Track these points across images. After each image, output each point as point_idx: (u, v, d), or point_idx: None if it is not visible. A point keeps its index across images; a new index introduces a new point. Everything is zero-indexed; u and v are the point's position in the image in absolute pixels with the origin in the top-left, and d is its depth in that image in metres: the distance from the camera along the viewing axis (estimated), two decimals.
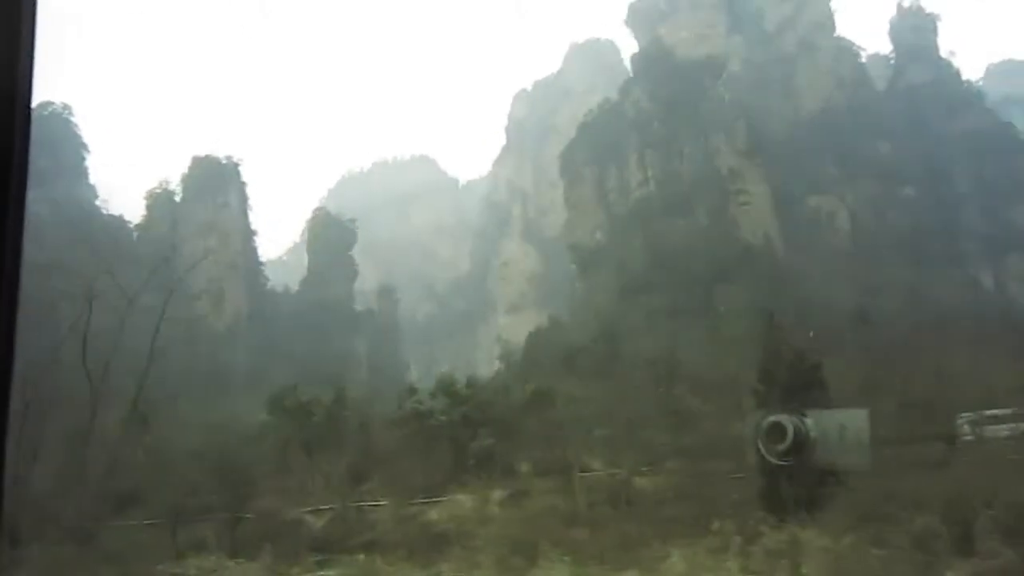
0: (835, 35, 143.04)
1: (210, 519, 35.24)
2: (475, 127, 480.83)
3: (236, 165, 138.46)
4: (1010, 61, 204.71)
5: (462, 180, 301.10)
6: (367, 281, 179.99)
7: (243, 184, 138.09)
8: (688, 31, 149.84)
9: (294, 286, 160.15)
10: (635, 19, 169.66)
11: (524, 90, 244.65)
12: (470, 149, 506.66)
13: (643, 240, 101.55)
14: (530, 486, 37.56)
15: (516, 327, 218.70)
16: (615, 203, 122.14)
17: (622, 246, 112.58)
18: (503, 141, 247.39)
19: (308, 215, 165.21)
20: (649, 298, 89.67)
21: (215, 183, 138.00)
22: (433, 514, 35.22)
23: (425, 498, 37.07)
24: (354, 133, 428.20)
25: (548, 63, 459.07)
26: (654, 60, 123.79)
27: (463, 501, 36.19)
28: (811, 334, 70.81)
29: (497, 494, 36.66)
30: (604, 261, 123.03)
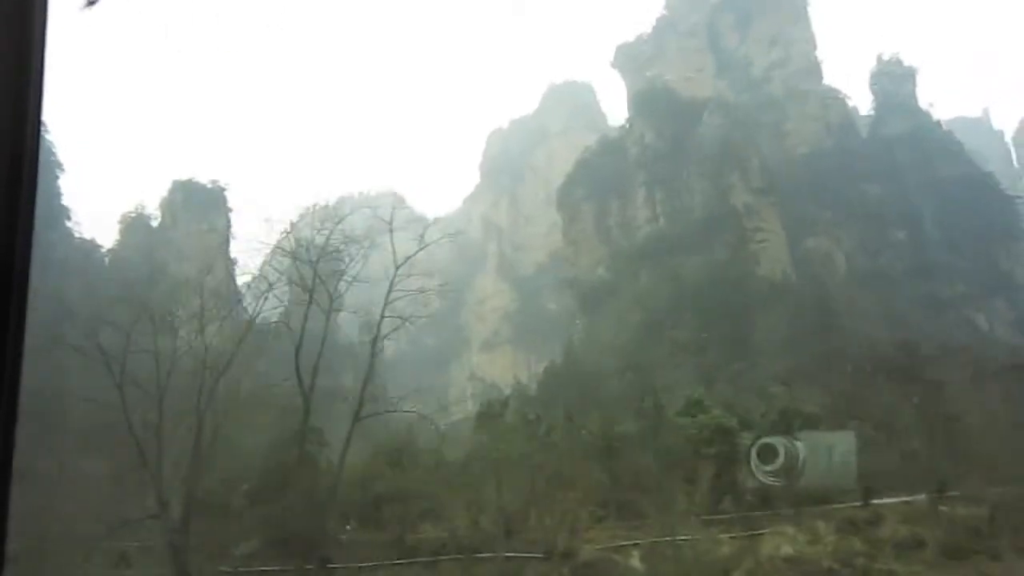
0: (823, 83, 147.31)
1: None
2: (443, 164, 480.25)
3: (222, 190, 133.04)
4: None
5: (430, 216, 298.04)
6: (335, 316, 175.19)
7: (229, 209, 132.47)
8: (675, 74, 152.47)
9: (271, 317, 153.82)
10: (623, 61, 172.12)
11: (500, 128, 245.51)
12: (438, 185, 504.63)
13: (657, 275, 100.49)
14: None
15: (490, 364, 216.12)
16: (618, 239, 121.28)
17: (630, 281, 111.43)
18: (476, 179, 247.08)
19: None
20: (674, 332, 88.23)
21: (199, 207, 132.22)
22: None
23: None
24: (320, 167, 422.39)
25: (523, 103, 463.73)
26: (657, 98, 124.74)
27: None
28: (848, 368, 70.84)
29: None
30: (609, 297, 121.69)
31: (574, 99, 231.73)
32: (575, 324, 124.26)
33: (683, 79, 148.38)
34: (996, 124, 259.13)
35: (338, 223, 42.85)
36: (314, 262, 39.88)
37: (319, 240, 41.69)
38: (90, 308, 46.75)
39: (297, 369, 37.74)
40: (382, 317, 40.69)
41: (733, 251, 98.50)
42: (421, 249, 44.55)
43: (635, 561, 29.36)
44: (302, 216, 53.06)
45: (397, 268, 42.11)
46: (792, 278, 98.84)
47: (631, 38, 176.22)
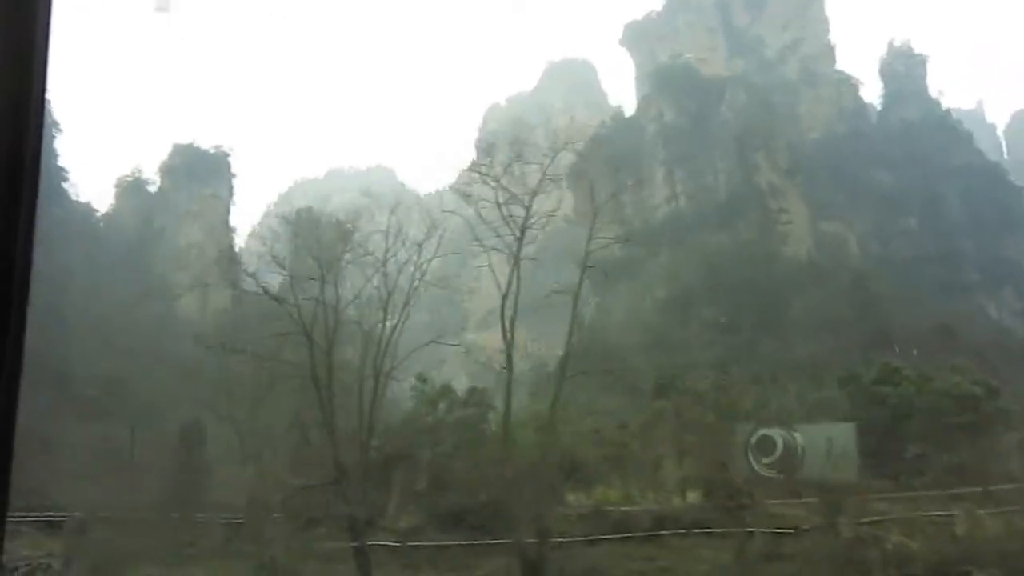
0: (835, 67, 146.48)
1: None
2: (437, 140, 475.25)
3: (226, 155, 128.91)
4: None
5: (422, 192, 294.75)
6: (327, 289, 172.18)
7: (232, 175, 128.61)
8: (687, 53, 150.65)
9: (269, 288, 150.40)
10: (631, 39, 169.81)
11: (497, 104, 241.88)
12: (430, 161, 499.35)
13: (679, 255, 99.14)
14: None
15: (487, 343, 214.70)
16: (633, 217, 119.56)
17: (648, 260, 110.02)
18: (472, 155, 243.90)
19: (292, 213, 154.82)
20: (700, 310, 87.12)
21: (201, 172, 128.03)
22: None
23: None
24: (311, 139, 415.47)
25: (521, 81, 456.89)
26: (676, 76, 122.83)
27: None
28: (897, 350, 70.30)
29: None
30: (624, 275, 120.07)
31: (573, 77, 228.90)
32: (588, 302, 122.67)
33: (695, 60, 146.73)
34: (989, 117, 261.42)
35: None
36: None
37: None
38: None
39: (503, 319, 33.98)
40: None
41: (758, 231, 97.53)
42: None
43: (900, 537, 27.64)
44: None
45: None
46: (818, 259, 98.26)
47: (639, 16, 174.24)
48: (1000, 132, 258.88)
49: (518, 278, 34.33)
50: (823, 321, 73.87)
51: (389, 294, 34.51)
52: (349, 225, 37.70)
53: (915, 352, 64.02)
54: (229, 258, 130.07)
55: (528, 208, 35.24)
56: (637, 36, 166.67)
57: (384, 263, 34.85)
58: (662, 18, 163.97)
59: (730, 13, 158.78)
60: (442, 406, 41.60)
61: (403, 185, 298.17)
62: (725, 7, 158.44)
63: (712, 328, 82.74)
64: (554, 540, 28.11)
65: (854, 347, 67.09)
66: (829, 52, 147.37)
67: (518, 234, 34.99)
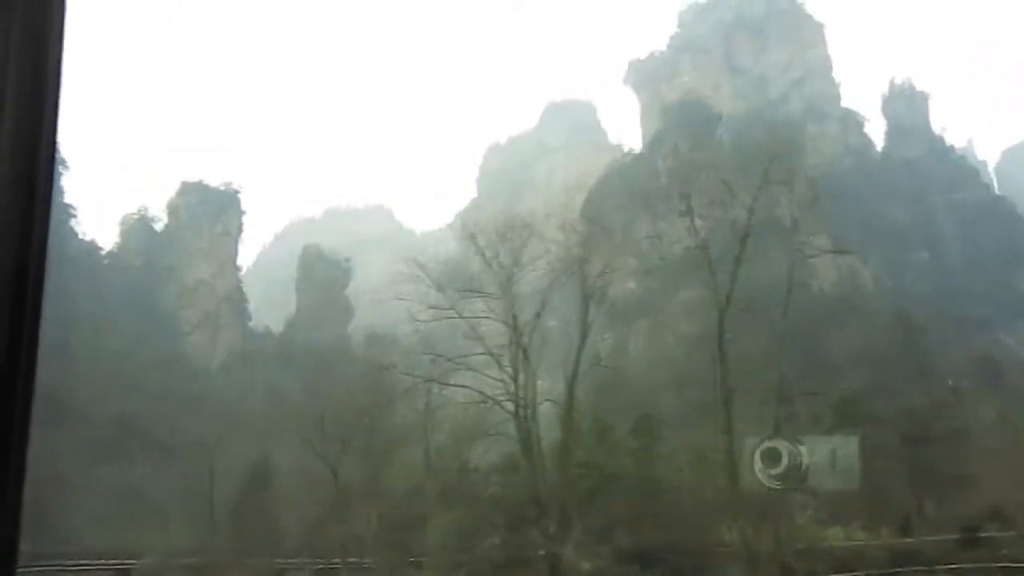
0: (841, 104, 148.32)
1: None
2: (437, 179, 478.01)
3: (236, 192, 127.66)
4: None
5: (418, 231, 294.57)
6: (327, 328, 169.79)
7: (242, 212, 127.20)
8: (691, 92, 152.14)
9: (276, 327, 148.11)
10: (636, 77, 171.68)
11: (497, 144, 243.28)
12: (430, 200, 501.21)
13: (701, 289, 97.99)
14: None
15: (485, 380, 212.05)
16: (650, 252, 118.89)
17: (667, 295, 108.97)
18: (471, 194, 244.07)
19: (297, 251, 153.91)
20: (732, 346, 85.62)
21: (210, 210, 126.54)
22: None
23: None
24: (307, 179, 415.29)
25: (521, 120, 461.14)
26: (690, 110, 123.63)
27: None
28: (949, 382, 69.43)
29: None
30: (640, 311, 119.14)
31: (574, 116, 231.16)
32: (603, 339, 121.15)
33: (700, 98, 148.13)
34: (980, 154, 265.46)
35: None
36: None
37: None
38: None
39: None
40: None
41: (784, 265, 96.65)
42: None
43: None
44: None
45: None
46: (847, 292, 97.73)
47: (643, 55, 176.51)
48: (991, 169, 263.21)
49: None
50: (865, 354, 72.96)
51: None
52: None
53: (965, 383, 63.25)
54: (239, 296, 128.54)
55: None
56: (642, 75, 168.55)
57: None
58: (666, 57, 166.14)
59: (733, 52, 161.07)
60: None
61: (401, 226, 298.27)
62: (728, 46, 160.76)
63: (743, 363, 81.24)
64: None
65: (898, 379, 66.10)
66: (834, 90, 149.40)
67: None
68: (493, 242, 57.64)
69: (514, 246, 54.19)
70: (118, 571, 30.23)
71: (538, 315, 42.87)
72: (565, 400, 43.65)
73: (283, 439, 46.87)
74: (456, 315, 55.23)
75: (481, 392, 39.42)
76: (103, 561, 29.62)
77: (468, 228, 59.70)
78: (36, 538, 48.74)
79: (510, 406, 31.86)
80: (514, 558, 27.16)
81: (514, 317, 41.60)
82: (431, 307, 51.53)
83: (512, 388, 33.48)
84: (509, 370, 34.80)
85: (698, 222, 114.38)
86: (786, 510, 34.17)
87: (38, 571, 34.65)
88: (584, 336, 53.86)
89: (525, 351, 43.54)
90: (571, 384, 39.45)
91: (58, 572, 32.02)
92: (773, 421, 45.48)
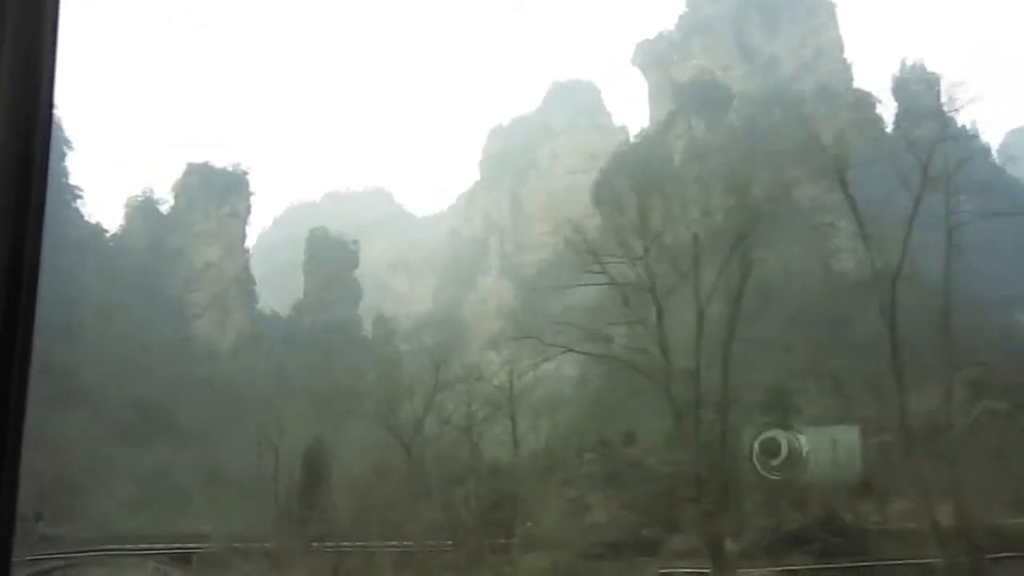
0: (853, 86, 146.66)
1: None
2: (439, 161, 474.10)
3: (244, 174, 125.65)
4: None
5: (418, 215, 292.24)
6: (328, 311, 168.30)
7: (251, 194, 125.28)
8: (704, 71, 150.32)
9: (282, 310, 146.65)
10: (645, 59, 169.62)
11: (500, 126, 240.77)
12: (432, 183, 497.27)
13: (719, 272, 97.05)
14: None
15: (495, 365, 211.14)
16: (664, 234, 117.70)
17: (683, 278, 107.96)
18: (475, 176, 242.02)
19: (305, 233, 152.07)
20: (750, 331, 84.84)
21: (218, 191, 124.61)
22: None
23: None
24: (307, 162, 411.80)
25: (524, 101, 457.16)
26: (705, 90, 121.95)
27: None
28: (986, 360, 68.46)
29: None
30: (652, 294, 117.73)
31: (578, 97, 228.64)
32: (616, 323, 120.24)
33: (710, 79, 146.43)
34: (990, 135, 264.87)
35: None
36: None
37: None
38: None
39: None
40: None
41: (805, 246, 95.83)
42: None
43: None
44: None
45: None
46: (868, 274, 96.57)
47: (651, 35, 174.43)
48: (995, 151, 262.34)
49: None
50: (885, 335, 71.83)
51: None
52: None
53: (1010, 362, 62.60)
54: (247, 278, 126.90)
55: None
56: (650, 56, 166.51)
57: None
58: (675, 38, 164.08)
59: (743, 33, 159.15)
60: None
61: (402, 208, 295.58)
62: (739, 27, 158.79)
63: (768, 347, 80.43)
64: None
65: (934, 360, 65.22)
66: (845, 70, 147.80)
67: None
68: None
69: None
70: (173, 556, 29.19)
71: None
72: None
73: (348, 422, 45.99)
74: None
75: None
76: (162, 545, 28.59)
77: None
78: (67, 525, 47.72)
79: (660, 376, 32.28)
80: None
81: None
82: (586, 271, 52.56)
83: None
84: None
85: (713, 203, 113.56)
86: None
87: (86, 556, 33.57)
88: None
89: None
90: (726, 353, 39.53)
91: (112, 557, 31.01)
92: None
